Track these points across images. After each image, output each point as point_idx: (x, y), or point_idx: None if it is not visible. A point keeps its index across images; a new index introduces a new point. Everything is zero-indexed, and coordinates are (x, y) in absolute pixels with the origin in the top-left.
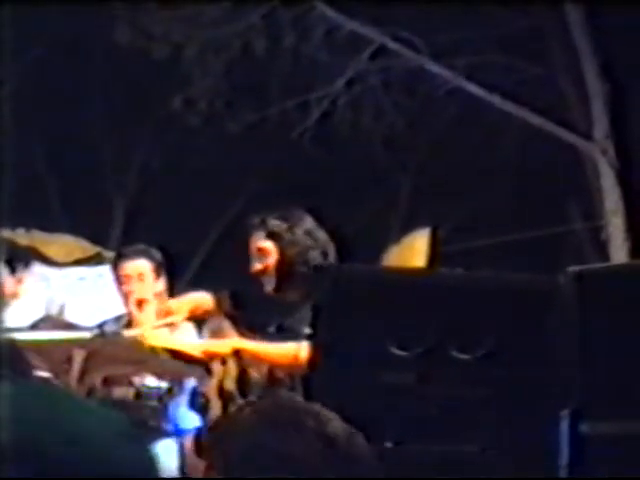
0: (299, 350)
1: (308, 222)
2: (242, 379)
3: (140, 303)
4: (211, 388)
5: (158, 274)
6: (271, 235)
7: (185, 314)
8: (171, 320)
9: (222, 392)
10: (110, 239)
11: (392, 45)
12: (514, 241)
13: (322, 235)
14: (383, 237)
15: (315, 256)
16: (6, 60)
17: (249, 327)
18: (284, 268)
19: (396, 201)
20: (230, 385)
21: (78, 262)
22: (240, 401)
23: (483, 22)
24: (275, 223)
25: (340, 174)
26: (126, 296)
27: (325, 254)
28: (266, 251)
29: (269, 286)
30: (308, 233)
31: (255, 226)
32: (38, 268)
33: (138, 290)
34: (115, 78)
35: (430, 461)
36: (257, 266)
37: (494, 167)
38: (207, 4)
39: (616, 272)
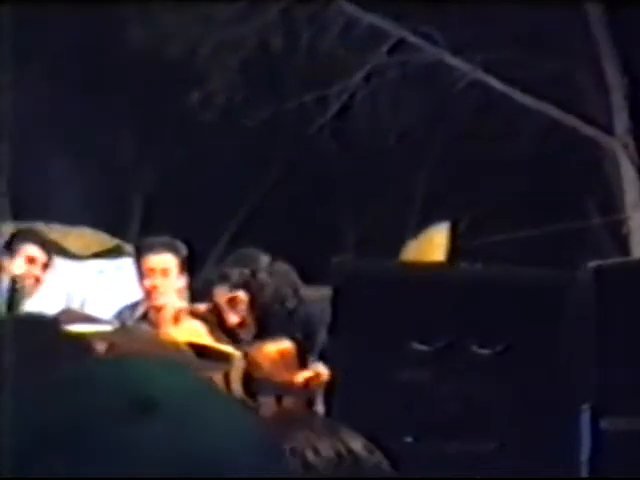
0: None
1: (265, 260)
2: (247, 379)
3: (160, 306)
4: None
5: (182, 269)
6: (238, 285)
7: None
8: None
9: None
10: (128, 232)
11: (410, 39)
12: (532, 236)
13: (283, 268)
14: (400, 231)
15: (287, 292)
16: (23, 60)
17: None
18: (261, 314)
19: (413, 195)
20: (236, 384)
21: (97, 255)
22: (250, 403)
23: (502, 15)
24: (238, 272)
25: (358, 168)
26: (148, 290)
27: (294, 287)
28: (238, 301)
29: (249, 335)
30: (271, 272)
31: (216, 281)
32: (57, 261)
33: (161, 285)
34: (132, 75)
35: (449, 457)
36: (233, 320)
37: (512, 161)
38: (224, 1)
39: (635, 267)
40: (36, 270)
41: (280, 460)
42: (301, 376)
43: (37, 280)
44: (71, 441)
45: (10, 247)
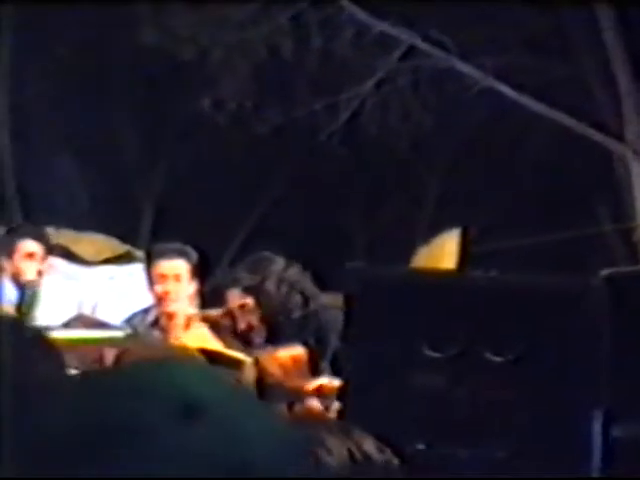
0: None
1: (278, 264)
2: (259, 386)
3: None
4: None
5: (193, 275)
6: (247, 290)
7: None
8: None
9: None
10: (139, 239)
11: (422, 45)
12: (543, 242)
13: (294, 274)
14: (410, 237)
15: (295, 303)
16: (30, 65)
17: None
18: (270, 320)
19: (424, 202)
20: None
21: (108, 261)
22: None
23: (512, 21)
24: (247, 277)
25: (368, 175)
26: (160, 296)
27: (303, 294)
28: (248, 308)
29: (259, 339)
30: (281, 280)
31: (229, 284)
32: (67, 266)
33: (173, 291)
34: (143, 79)
35: (461, 464)
36: (242, 325)
37: (523, 168)
38: (235, 5)
39: None
40: (37, 264)
41: (309, 458)
42: (313, 384)
43: (39, 273)
44: (120, 444)
45: (4, 246)
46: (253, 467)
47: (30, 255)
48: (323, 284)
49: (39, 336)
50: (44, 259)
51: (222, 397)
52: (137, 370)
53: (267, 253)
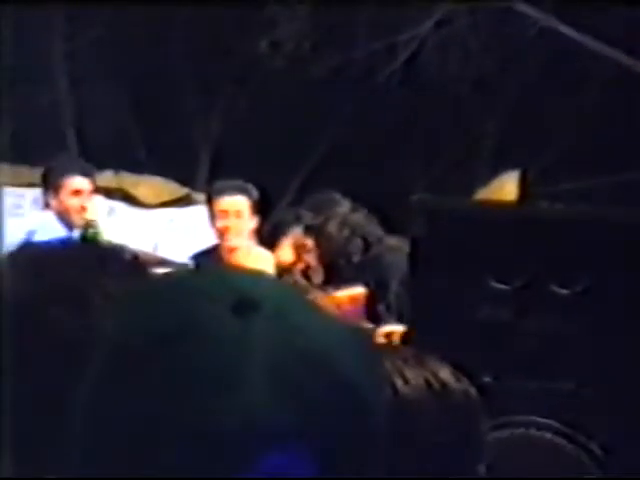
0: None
1: (344, 207)
2: None
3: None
4: None
5: (254, 211)
6: (308, 229)
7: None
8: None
9: None
10: (197, 182)
11: None
12: (602, 185)
13: (359, 218)
14: (470, 180)
15: (356, 245)
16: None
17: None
18: (327, 262)
19: (483, 143)
20: None
21: (166, 204)
22: None
23: None
24: (310, 216)
25: (427, 117)
26: (221, 231)
27: (365, 240)
28: (307, 248)
29: (317, 279)
30: (344, 223)
31: (290, 221)
32: (126, 208)
33: (234, 226)
34: (199, 23)
35: (529, 396)
36: (300, 265)
37: (583, 108)
38: None
39: None
40: (85, 201)
41: (377, 362)
42: (383, 330)
43: (88, 210)
44: (179, 338)
45: (49, 181)
46: (323, 355)
47: (77, 192)
48: (384, 227)
49: (135, 258)
50: (91, 196)
51: (277, 293)
52: (186, 274)
53: (333, 193)
